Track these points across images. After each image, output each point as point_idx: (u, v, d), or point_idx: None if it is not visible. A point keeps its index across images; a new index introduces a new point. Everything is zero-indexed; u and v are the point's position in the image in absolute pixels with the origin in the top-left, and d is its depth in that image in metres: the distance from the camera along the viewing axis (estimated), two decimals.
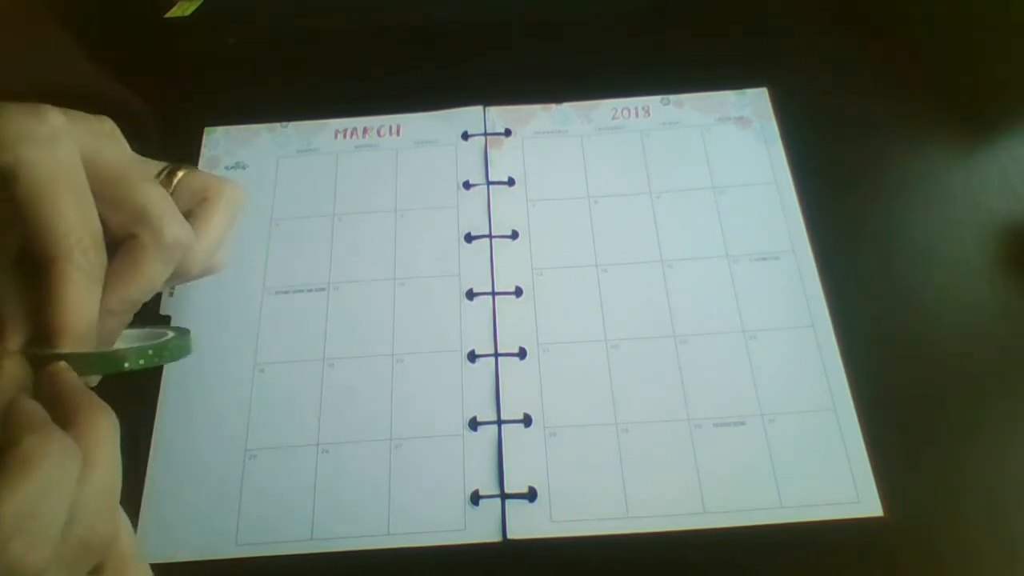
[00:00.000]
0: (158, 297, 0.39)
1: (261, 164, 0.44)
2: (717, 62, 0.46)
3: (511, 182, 0.43)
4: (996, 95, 0.45)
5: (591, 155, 0.44)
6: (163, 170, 0.31)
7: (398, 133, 0.45)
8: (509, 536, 0.33)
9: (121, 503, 0.22)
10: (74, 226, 0.26)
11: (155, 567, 0.30)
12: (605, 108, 0.45)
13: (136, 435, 0.36)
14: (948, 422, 0.35)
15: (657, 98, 0.45)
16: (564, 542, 0.33)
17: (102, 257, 0.27)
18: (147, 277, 0.28)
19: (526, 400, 0.37)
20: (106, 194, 0.27)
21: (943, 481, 0.34)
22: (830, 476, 0.34)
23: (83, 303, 0.26)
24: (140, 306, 0.28)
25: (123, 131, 0.29)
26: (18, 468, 0.19)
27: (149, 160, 0.31)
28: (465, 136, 0.44)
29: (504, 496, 0.34)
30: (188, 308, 0.39)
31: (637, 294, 0.39)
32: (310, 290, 0.40)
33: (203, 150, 0.44)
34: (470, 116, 0.45)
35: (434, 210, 0.42)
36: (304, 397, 0.37)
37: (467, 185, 0.43)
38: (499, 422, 0.36)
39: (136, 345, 0.27)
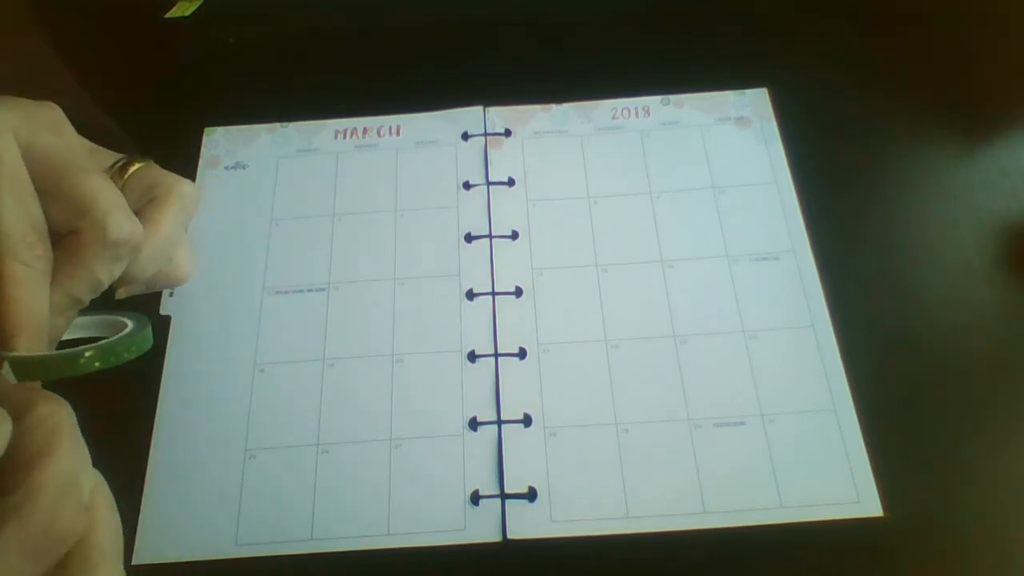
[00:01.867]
0: (157, 297, 0.39)
1: (261, 164, 0.44)
2: (717, 62, 0.46)
3: (511, 182, 0.43)
4: (996, 95, 0.45)
5: (591, 155, 0.44)
6: (116, 162, 0.30)
7: (398, 133, 0.45)
8: (509, 536, 0.33)
9: (119, 502, 0.22)
10: (17, 221, 0.24)
11: (155, 567, 0.30)
12: (605, 108, 0.45)
13: (136, 435, 0.36)
14: (948, 422, 0.35)
15: (657, 98, 0.45)
16: (564, 542, 0.33)
17: (49, 251, 0.25)
18: (90, 275, 0.27)
19: (526, 400, 0.37)
20: (47, 186, 0.26)
21: (943, 481, 0.34)
22: (830, 476, 0.34)
23: (33, 300, 0.24)
24: (86, 303, 0.27)
25: (126, 131, 0.29)
26: None
27: (102, 149, 0.30)
28: (465, 136, 0.44)
29: (504, 496, 0.34)
30: (188, 308, 0.39)
31: (637, 294, 0.39)
32: (310, 290, 0.40)
33: (203, 150, 0.44)
34: (470, 116, 0.45)
35: (434, 210, 0.42)
36: (304, 397, 0.37)
37: (467, 185, 0.43)
38: (499, 422, 0.36)
39: (91, 345, 0.25)
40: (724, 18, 0.48)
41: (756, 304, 0.38)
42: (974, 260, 0.39)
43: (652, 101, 0.45)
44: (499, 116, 0.45)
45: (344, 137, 0.45)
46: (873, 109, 0.44)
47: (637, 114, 0.45)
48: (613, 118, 0.45)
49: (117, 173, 0.29)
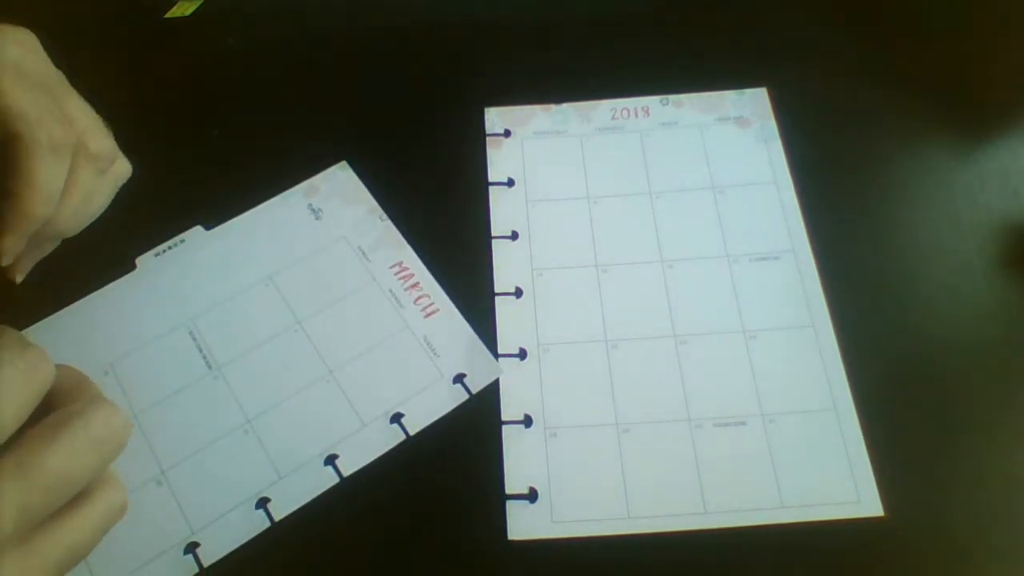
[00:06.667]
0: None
1: None
2: (716, 62, 0.46)
3: (511, 183, 0.43)
4: (996, 94, 0.45)
5: (591, 155, 0.44)
6: None
7: None
8: (510, 536, 0.33)
9: None
10: (33, 105, 0.28)
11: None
12: (604, 108, 0.45)
13: None
14: (948, 422, 0.35)
15: (656, 98, 0.45)
16: (565, 542, 0.33)
17: (70, 135, 0.30)
18: (80, 186, 0.32)
19: (526, 400, 0.37)
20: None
21: (943, 481, 0.34)
22: (830, 476, 0.34)
23: (50, 173, 0.29)
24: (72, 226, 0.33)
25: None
26: None
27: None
28: None
29: (505, 496, 0.34)
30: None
31: (637, 294, 0.39)
32: None
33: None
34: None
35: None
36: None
37: None
38: (499, 422, 0.36)
39: None
40: (723, 18, 0.48)
41: (756, 304, 0.38)
42: (974, 260, 0.39)
43: (651, 101, 0.45)
44: (499, 116, 0.45)
45: None
46: (873, 108, 0.44)
47: (636, 114, 0.45)
48: (613, 118, 0.45)
49: None
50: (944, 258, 0.39)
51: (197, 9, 0.49)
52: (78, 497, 0.21)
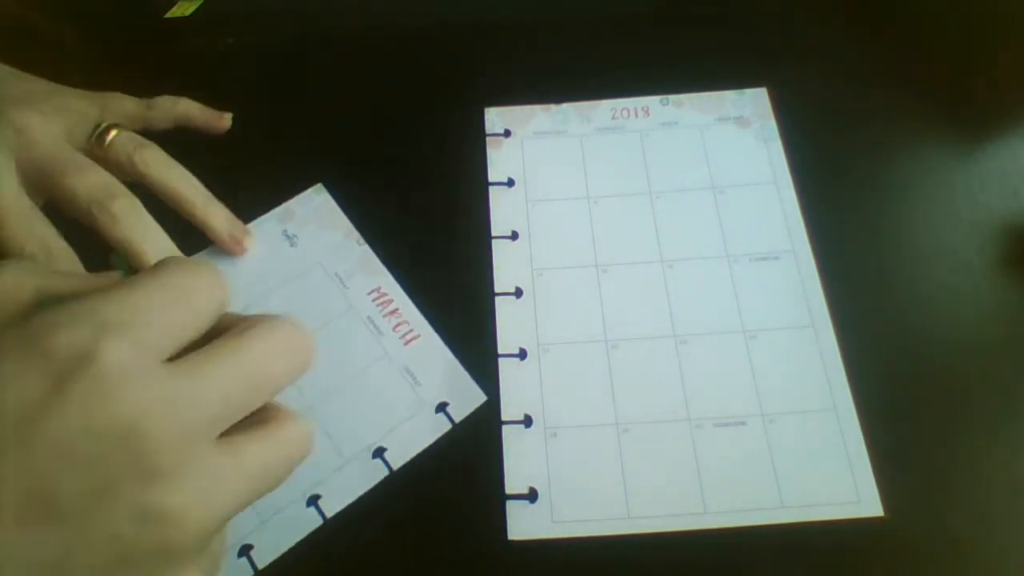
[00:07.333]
0: None
1: None
2: (716, 62, 0.46)
3: (511, 183, 0.43)
4: (996, 95, 0.45)
5: (591, 155, 0.44)
6: (94, 131, 0.36)
7: None
8: (510, 536, 0.33)
9: None
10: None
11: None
12: (604, 108, 0.45)
13: None
14: (948, 422, 0.35)
15: (656, 98, 0.45)
16: (565, 542, 0.33)
17: (132, 199, 0.35)
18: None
19: (526, 400, 0.37)
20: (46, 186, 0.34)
21: (944, 481, 0.34)
22: (830, 476, 0.34)
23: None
24: None
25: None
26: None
27: (73, 115, 0.36)
28: None
29: (505, 496, 0.34)
30: None
31: (637, 294, 0.39)
32: None
33: None
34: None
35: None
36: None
37: None
38: (499, 422, 0.36)
39: None
40: (723, 18, 0.48)
41: (756, 304, 0.38)
42: (974, 260, 0.39)
43: (651, 101, 0.45)
44: (499, 116, 0.45)
45: None
46: (873, 108, 0.44)
47: (637, 114, 0.45)
48: (613, 118, 0.45)
49: (97, 143, 0.36)
50: (944, 258, 0.39)
51: (197, 9, 0.49)
52: (267, 422, 0.21)
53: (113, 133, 0.36)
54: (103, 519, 0.17)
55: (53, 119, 0.35)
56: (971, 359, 0.37)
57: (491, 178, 0.43)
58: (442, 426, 0.36)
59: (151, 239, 0.35)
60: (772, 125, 0.44)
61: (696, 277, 0.39)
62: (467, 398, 0.36)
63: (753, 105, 0.45)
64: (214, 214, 0.38)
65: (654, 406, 0.36)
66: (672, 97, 0.45)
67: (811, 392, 0.36)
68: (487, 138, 0.44)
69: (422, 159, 0.44)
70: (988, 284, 0.38)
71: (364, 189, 0.42)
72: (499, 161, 0.43)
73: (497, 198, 0.42)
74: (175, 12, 0.49)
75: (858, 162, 0.42)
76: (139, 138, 0.37)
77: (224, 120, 0.42)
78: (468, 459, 0.35)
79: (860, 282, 0.39)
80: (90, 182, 0.34)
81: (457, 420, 0.36)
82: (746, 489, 0.34)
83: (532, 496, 0.34)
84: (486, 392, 0.36)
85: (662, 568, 0.33)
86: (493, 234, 0.41)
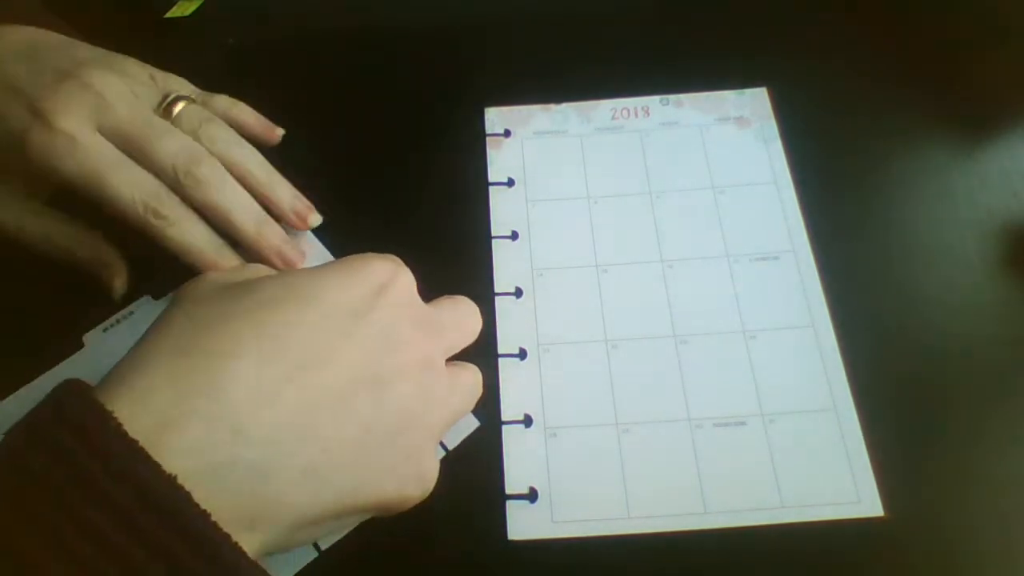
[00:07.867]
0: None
1: None
2: (717, 62, 0.46)
3: (510, 183, 0.43)
4: (996, 94, 0.45)
5: (591, 155, 0.44)
6: (162, 101, 0.36)
7: None
8: (510, 537, 0.33)
9: None
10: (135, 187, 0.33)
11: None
12: (605, 108, 0.45)
13: None
14: (949, 422, 0.35)
15: (656, 98, 0.45)
16: (565, 542, 0.33)
17: (215, 162, 0.35)
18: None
19: (526, 400, 0.36)
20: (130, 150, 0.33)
21: (944, 481, 0.34)
22: (831, 476, 0.34)
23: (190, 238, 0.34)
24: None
25: None
26: None
27: (144, 84, 0.36)
28: None
29: (505, 497, 0.34)
30: None
31: (637, 294, 0.39)
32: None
33: None
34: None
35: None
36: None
37: None
38: (499, 422, 0.36)
39: None
40: (723, 18, 0.48)
41: (756, 304, 0.38)
42: (974, 260, 0.39)
43: (651, 101, 0.45)
44: (498, 116, 0.45)
45: None
46: (873, 108, 0.44)
47: (637, 114, 0.45)
48: (613, 118, 0.45)
49: (164, 113, 0.36)
50: (944, 258, 0.39)
51: (197, 9, 0.50)
52: (458, 366, 0.33)
53: (181, 105, 0.36)
54: (400, 391, 0.28)
55: (128, 82, 0.35)
56: (971, 359, 0.37)
57: (491, 178, 0.43)
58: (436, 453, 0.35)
59: (238, 203, 0.35)
60: (772, 125, 0.44)
61: (696, 277, 0.39)
62: (460, 425, 0.35)
63: (753, 105, 0.45)
64: (279, 189, 0.38)
65: (654, 406, 0.36)
66: (672, 97, 0.45)
67: (811, 392, 0.36)
68: (487, 138, 0.44)
69: (422, 159, 0.44)
70: (988, 284, 0.38)
71: (363, 189, 0.42)
72: (499, 161, 0.43)
73: (497, 198, 0.42)
74: (175, 12, 0.49)
75: (858, 161, 0.42)
76: (205, 112, 0.37)
77: (276, 133, 0.41)
78: (468, 459, 0.35)
79: (860, 282, 0.39)
80: (175, 146, 0.34)
81: (450, 447, 0.35)
82: (746, 489, 0.34)
83: (532, 496, 0.34)
84: (486, 390, 0.36)
85: (662, 568, 0.33)
86: (493, 234, 0.41)
